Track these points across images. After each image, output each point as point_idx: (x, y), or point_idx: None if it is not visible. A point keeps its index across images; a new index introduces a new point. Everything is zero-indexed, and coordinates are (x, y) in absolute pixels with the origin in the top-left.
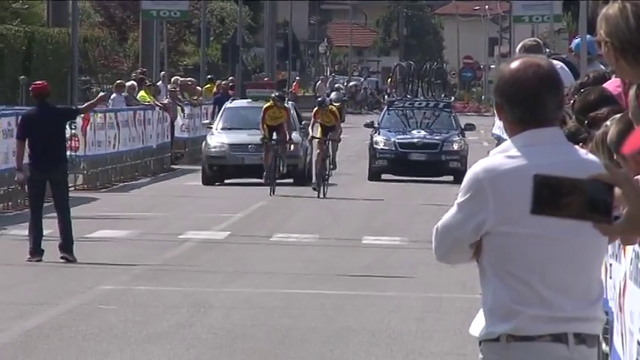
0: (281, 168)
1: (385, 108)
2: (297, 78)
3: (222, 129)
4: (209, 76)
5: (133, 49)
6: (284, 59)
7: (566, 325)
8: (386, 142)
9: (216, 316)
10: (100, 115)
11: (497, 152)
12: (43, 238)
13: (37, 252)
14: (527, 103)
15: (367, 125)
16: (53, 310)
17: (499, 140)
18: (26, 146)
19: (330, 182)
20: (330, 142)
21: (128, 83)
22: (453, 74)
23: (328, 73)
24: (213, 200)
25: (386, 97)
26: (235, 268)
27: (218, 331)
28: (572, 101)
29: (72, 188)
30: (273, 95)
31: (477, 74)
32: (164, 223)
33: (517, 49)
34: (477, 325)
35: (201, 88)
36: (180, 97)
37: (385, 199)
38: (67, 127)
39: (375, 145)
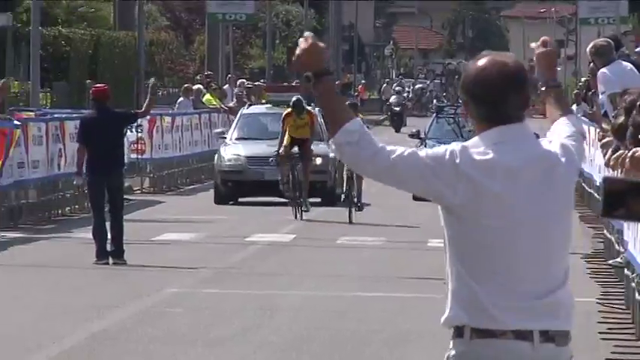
0: (304, 208)
1: (434, 115)
2: (363, 81)
3: (237, 139)
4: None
5: (199, 53)
6: (349, 62)
7: (532, 321)
8: None
9: (283, 318)
10: (166, 118)
11: (468, 147)
12: (109, 241)
13: (103, 255)
14: (492, 102)
15: (412, 136)
16: (119, 313)
17: None
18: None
19: (366, 203)
20: (300, 161)
21: (194, 87)
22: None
23: (394, 76)
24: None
25: (435, 102)
26: (301, 270)
27: (284, 334)
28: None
29: (138, 191)
30: (293, 100)
31: None
32: (230, 226)
33: (587, 50)
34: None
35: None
36: (246, 100)
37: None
38: (134, 130)
39: None
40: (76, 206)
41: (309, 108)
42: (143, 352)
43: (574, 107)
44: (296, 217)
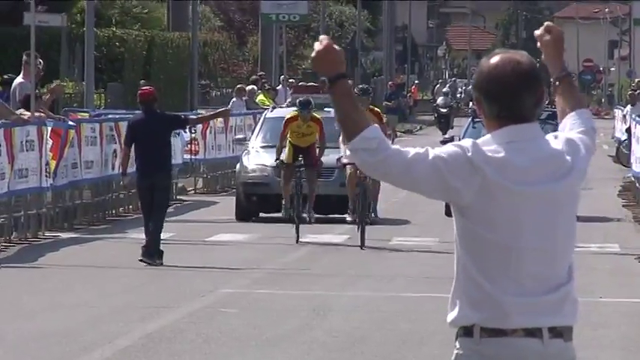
0: (308, 219)
1: (469, 120)
2: (416, 82)
3: (261, 147)
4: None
5: (253, 53)
6: (403, 63)
7: (541, 317)
8: None
9: (336, 319)
10: (219, 119)
11: (480, 144)
12: (163, 241)
13: (157, 254)
14: (505, 100)
15: (445, 142)
16: (174, 313)
17: (619, 143)
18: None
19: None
20: (305, 171)
21: (248, 87)
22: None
23: (447, 77)
24: None
25: (471, 104)
26: (354, 271)
27: (338, 335)
28: None
29: (192, 192)
30: (299, 100)
31: (597, 77)
32: (283, 227)
33: None
34: (451, 310)
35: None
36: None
37: None
38: (188, 131)
39: None
40: (130, 206)
41: (315, 114)
42: (198, 353)
43: (628, 107)
44: (298, 240)
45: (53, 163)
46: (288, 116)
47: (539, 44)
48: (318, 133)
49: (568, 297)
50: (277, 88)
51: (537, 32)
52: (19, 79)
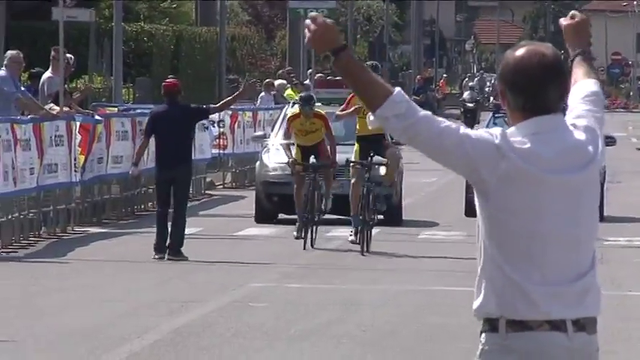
0: (323, 207)
1: (490, 115)
2: (444, 75)
3: (282, 144)
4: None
5: (281, 48)
6: (430, 57)
7: (565, 308)
8: None
9: (366, 313)
10: (248, 113)
11: (507, 134)
12: (189, 236)
13: (159, 249)
14: (530, 92)
15: None
16: (203, 308)
17: None
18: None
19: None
20: (317, 174)
21: (277, 82)
22: (601, 70)
23: (475, 71)
24: None
25: (492, 99)
26: (383, 265)
27: (367, 329)
28: None
29: (220, 186)
30: (301, 95)
31: (625, 70)
32: None
33: None
34: (475, 300)
35: None
36: None
37: None
38: (216, 125)
39: None
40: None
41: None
42: (227, 347)
43: None
44: (305, 246)
45: (82, 158)
46: (290, 114)
47: (563, 30)
48: (324, 129)
49: (592, 286)
50: (305, 82)
51: (563, 21)
52: (47, 73)
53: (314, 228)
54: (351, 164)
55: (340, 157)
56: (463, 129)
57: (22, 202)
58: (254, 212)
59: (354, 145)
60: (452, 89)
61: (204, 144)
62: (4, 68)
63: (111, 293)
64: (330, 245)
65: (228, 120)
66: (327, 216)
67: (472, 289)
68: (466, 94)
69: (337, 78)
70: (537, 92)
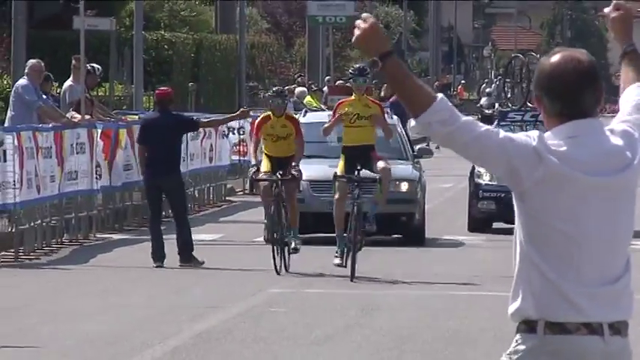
0: (285, 223)
1: (495, 122)
2: (462, 81)
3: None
4: (375, 81)
5: (300, 55)
6: (449, 63)
7: (601, 311)
8: None
9: (384, 317)
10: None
11: (544, 137)
12: (209, 242)
13: (157, 257)
14: (567, 98)
15: None
16: (224, 313)
17: None
18: None
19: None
20: (284, 186)
21: (298, 89)
22: (618, 75)
23: (492, 77)
24: None
25: (497, 106)
26: (402, 269)
27: (386, 333)
28: None
29: (240, 193)
30: (351, 71)
31: None
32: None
33: None
34: (511, 302)
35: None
36: None
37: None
38: (236, 132)
39: (476, 179)
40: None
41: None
42: (247, 352)
43: None
44: (278, 271)
45: (104, 165)
46: (260, 117)
47: (607, 22)
48: (295, 135)
49: (626, 289)
50: (324, 89)
51: (606, 10)
52: (68, 82)
53: (284, 249)
54: (337, 178)
55: (328, 172)
56: (502, 132)
57: (44, 209)
58: (263, 232)
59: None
60: (470, 95)
61: (223, 151)
62: (25, 77)
63: (133, 299)
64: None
65: (247, 127)
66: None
67: (490, 294)
68: (483, 101)
69: (347, 84)
70: (574, 98)
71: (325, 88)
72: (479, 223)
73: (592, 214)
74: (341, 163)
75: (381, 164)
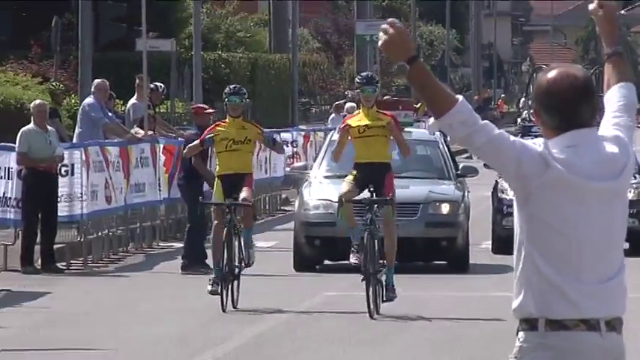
0: (243, 258)
1: (518, 137)
2: (502, 95)
3: (325, 177)
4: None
5: (349, 72)
6: (489, 78)
7: (598, 307)
8: None
9: (433, 318)
10: (319, 134)
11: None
12: (266, 249)
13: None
14: (564, 112)
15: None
16: (281, 316)
17: None
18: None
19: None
20: (236, 210)
21: (348, 104)
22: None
23: (531, 91)
24: None
25: (519, 120)
26: (445, 272)
27: (434, 334)
28: None
29: (294, 202)
30: (226, 90)
31: None
32: None
33: None
34: (514, 300)
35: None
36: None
37: None
38: (289, 145)
39: (500, 195)
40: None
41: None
42: (307, 351)
43: None
44: (225, 308)
45: (166, 178)
46: (211, 129)
47: (594, 19)
48: (260, 142)
49: (620, 287)
50: None
51: (591, 7)
52: (132, 100)
53: (233, 284)
54: (343, 198)
55: (414, 191)
56: (512, 137)
57: (111, 220)
58: (292, 260)
59: (412, 178)
60: (509, 108)
61: (278, 163)
62: (91, 96)
63: (194, 303)
64: None
65: (301, 140)
66: None
67: None
68: (525, 114)
69: (385, 98)
70: (571, 112)
71: None
72: (504, 242)
73: (590, 217)
74: (350, 180)
75: (387, 210)
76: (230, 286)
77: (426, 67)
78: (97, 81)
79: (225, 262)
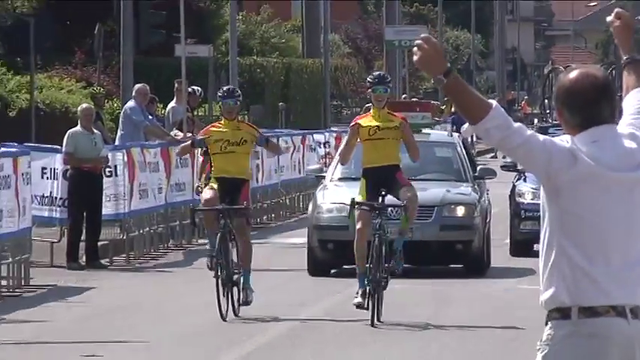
0: (240, 299)
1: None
2: (526, 97)
3: (340, 179)
4: (445, 98)
5: None
6: (513, 81)
7: (626, 293)
8: (535, 192)
9: (459, 309)
10: None
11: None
12: (296, 245)
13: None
14: (586, 110)
15: (506, 167)
16: (315, 308)
17: None
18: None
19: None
20: (230, 214)
21: None
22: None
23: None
24: None
25: (536, 121)
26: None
27: (460, 323)
28: None
29: None
30: (220, 93)
31: None
32: None
33: None
34: (543, 292)
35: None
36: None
37: None
38: (322, 146)
39: (518, 199)
40: (273, 215)
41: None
42: (336, 342)
43: None
44: (224, 316)
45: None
46: (205, 131)
47: (611, 29)
48: (255, 141)
49: (637, 269)
50: None
51: (609, 18)
52: (172, 104)
53: (232, 290)
54: (356, 206)
55: (431, 193)
56: (543, 137)
57: (152, 218)
58: (306, 264)
59: (426, 180)
60: (533, 109)
61: (311, 163)
62: (132, 100)
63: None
64: None
65: (333, 141)
66: None
67: None
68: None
69: (403, 99)
70: (592, 110)
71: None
72: (522, 245)
73: (615, 206)
74: (362, 186)
75: (406, 192)
76: (230, 293)
77: (460, 78)
78: (137, 85)
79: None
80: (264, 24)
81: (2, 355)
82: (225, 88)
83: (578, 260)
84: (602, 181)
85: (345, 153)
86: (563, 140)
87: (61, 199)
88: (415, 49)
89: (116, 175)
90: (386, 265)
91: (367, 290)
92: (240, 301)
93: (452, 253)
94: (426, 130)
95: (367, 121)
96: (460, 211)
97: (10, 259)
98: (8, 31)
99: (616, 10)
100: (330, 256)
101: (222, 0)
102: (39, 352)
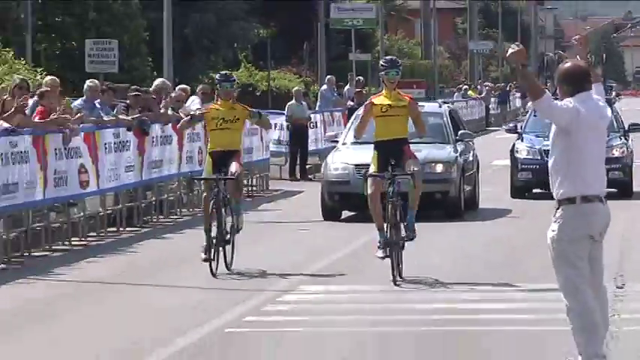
0: (231, 226)
1: (531, 109)
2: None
3: (352, 143)
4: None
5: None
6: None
7: (601, 188)
8: (529, 150)
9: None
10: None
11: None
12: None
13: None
14: (577, 85)
15: (510, 130)
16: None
17: None
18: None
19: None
20: (225, 183)
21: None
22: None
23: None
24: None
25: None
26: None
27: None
28: None
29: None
30: (218, 77)
31: None
32: None
33: None
34: (558, 190)
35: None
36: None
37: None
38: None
39: (516, 154)
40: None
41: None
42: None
43: None
44: (214, 272)
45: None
46: (205, 109)
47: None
48: (246, 119)
49: (605, 177)
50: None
51: (574, 39)
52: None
53: (225, 248)
54: (368, 176)
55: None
56: (561, 102)
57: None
58: (321, 210)
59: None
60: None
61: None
62: (325, 85)
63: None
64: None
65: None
66: None
67: None
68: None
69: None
70: (580, 83)
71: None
72: (519, 190)
73: (596, 139)
74: (373, 158)
75: (411, 165)
76: (223, 250)
77: (530, 71)
78: (329, 77)
79: (215, 229)
80: (399, 40)
81: None
82: (222, 73)
83: (579, 168)
84: (592, 124)
85: (359, 127)
86: (570, 101)
87: (285, 140)
88: (510, 50)
89: (316, 127)
90: (401, 223)
91: (386, 243)
92: (235, 231)
93: (432, 201)
94: (421, 103)
95: (380, 100)
96: (439, 167)
97: (258, 174)
98: (255, 47)
99: (578, 36)
100: (336, 205)
101: (375, 26)
102: None
